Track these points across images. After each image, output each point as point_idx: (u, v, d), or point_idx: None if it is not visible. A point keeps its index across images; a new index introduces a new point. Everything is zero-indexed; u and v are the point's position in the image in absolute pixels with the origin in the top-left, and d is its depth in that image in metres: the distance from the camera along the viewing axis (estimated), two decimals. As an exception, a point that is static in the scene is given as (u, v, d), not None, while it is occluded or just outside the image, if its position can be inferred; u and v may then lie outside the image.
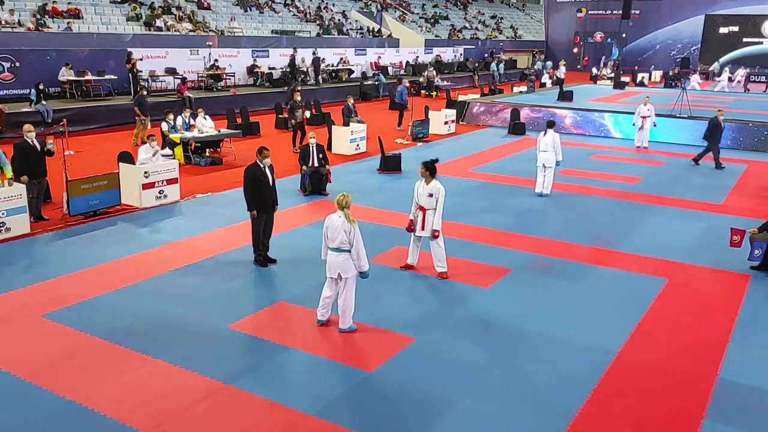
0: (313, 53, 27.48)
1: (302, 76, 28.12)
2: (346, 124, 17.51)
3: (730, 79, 36.15)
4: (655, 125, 18.61)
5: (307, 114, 16.90)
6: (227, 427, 5.35)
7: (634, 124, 18.82)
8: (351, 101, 18.28)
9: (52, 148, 10.93)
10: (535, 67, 41.01)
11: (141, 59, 22.29)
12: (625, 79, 34.43)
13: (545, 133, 12.78)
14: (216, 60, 25.29)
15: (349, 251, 6.87)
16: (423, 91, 31.02)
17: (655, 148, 18.60)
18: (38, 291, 7.95)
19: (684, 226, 11.16)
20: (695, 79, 34.37)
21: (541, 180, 12.88)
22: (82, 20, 24.64)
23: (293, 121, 16.76)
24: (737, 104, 25.70)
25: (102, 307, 7.53)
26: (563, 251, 9.75)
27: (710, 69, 41.22)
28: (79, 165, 13.43)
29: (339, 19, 37.62)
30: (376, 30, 39.25)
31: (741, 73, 37.68)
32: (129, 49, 22.05)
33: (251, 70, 27.02)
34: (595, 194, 13.18)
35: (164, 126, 15.20)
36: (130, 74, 21.31)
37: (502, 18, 53.91)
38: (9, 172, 10.07)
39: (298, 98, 17.31)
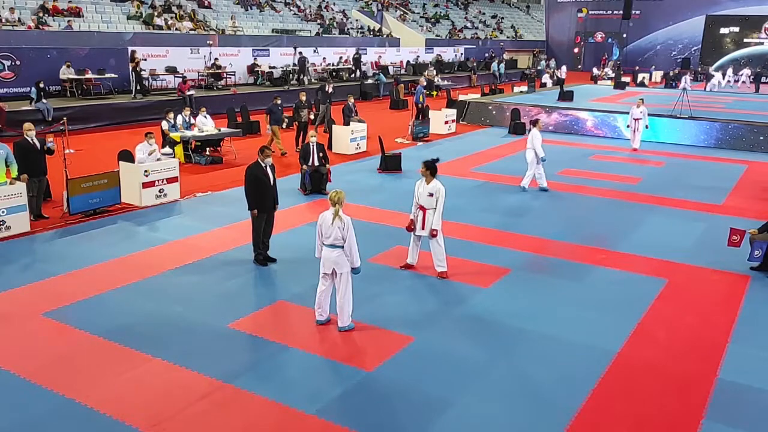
0: (300, 53, 27.31)
1: (302, 75, 28.16)
2: (346, 123, 17.52)
3: (736, 80, 36.21)
4: (647, 127, 18.43)
5: (311, 116, 16.88)
6: (226, 426, 5.35)
7: (628, 126, 18.81)
8: (351, 100, 18.29)
9: (52, 147, 10.92)
10: (537, 67, 41.06)
11: (145, 59, 22.30)
12: (626, 79, 34.43)
13: (528, 131, 13.22)
14: (216, 59, 25.29)
15: (342, 247, 6.88)
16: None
17: (655, 149, 18.59)
18: (38, 289, 7.95)
19: (684, 227, 11.16)
20: (686, 80, 34.36)
21: (530, 175, 13.22)
22: (82, 19, 24.63)
23: (302, 119, 16.77)
24: (738, 104, 25.71)
25: (102, 305, 7.53)
26: (563, 251, 9.75)
27: (709, 69, 41.24)
28: (79, 163, 13.44)
29: (340, 19, 37.61)
30: (376, 29, 39.23)
31: (746, 72, 37.68)
32: (132, 48, 22.07)
33: (252, 69, 27.03)
34: (595, 194, 13.18)
35: (164, 125, 15.19)
36: (133, 73, 21.35)
37: (502, 18, 53.88)
38: (15, 171, 10.09)
39: (303, 98, 17.33)
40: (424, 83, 22.84)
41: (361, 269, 7.16)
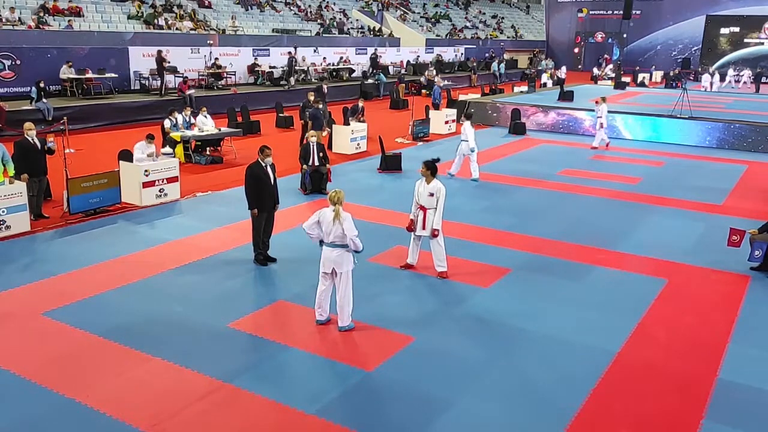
0: (288, 53, 27.15)
1: (303, 74, 28.17)
2: (346, 123, 17.51)
3: (737, 80, 36.36)
4: (602, 126, 18.47)
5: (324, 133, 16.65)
6: (226, 426, 5.35)
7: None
8: (361, 103, 18.34)
9: (52, 146, 10.93)
10: (537, 68, 41.07)
11: (172, 63, 22.64)
12: (626, 79, 34.42)
13: (470, 125, 14.18)
14: (217, 59, 25.29)
15: (342, 246, 6.88)
16: (424, 91, 31.01)
17: (655, 149, 18.61)
18: (38, 289, 7.95)
19: (684, 227, 11.16)
20: (707, 80, 34.46)
21: (459, 163, 14.24)
22: (83, 18, 24.63)
23: (308, 119, 16.80)
24: (738, 105, 25.70)
25: (102, 305, 7.53)
26: (563, 251, 9.75)
27: (709, 69, 41.28)
28: (80, 163, 13.44)
29: (340, 18, 37.60)
30: (376, 29, 39.22)
31: (747, 73, 37.74)
32: (159, 49, 22.44)
33: (252, 68, 27.02)
34: (595, 194, 13.17)
35: (167, 123, 15.18)
36: (162, 73, 21.97)
37: (503, 18, 53.87)
38: (11, 170, 10.08)
39: (312, 98, 17.34)
40: (442, 84, 23.08)
41: (363, 249, 7.03)
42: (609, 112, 21.47)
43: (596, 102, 18.71)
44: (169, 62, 22.69)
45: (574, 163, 16.20)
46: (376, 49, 33.00)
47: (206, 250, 9.37)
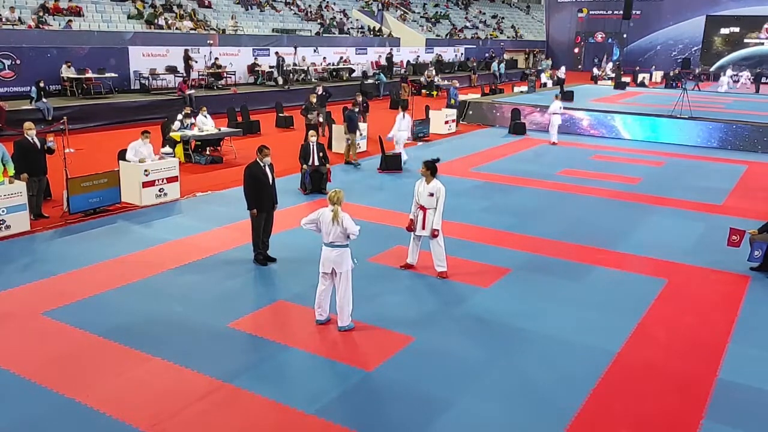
0: (276, 53, 27.06)
1: (303, 74, 28.16)
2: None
3: (735, 81, 36.43)
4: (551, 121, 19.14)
5: (320, 118, 16.55)
6: (226, 426, 5.35)
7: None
8: (360, 98, 18.30)
9: (52, 146, 10.93)
10: (537, 68, 41.10)
11: (196, 61, 23.22)
12: (626, 79, 34.43)
13: (404, 116, 15.34)
14: (217, 58, 25.29)
15: (342, 246, 6.88)
16: (424, 91, 31.03)
17: (655, 149, 18.61)
18: (38, 288, 7.94)
19: (684, 227, 11.16)
20: (725, 81, 34.49)
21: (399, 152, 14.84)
22: (82, 18, 24.62)
23: (311, 121, 16.78)
24: (738, 105, 25.70)
25: (101, 304, 7.53)
26: (563, 251, 9.75)
27: (709, 69, 41.30)
28: (80, 163, 13.43)
29: (340, 18, 37.60)
30: (376, 29, 39.22)
31: (746, 74, 37.74)
32: (186, 48, 22.72)
33: (252, 68, 27.02)
34: (595, 194, 13.17)
35: (176, 125, 15.18)
36: (188, 70, 22.52)
37: (503, 18, 53.87)
38: (11, 170, 10.08)
39: (314, 100, 17.30)
40: (457, 85, 23.24)
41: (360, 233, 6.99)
42: (609, 112, 21.58)
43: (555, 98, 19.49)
44: (196, 61, 22.90)
45: (574, 163, 16.20)
46: (391, 50, 34.09)
47: (206, 250, 9.37)
